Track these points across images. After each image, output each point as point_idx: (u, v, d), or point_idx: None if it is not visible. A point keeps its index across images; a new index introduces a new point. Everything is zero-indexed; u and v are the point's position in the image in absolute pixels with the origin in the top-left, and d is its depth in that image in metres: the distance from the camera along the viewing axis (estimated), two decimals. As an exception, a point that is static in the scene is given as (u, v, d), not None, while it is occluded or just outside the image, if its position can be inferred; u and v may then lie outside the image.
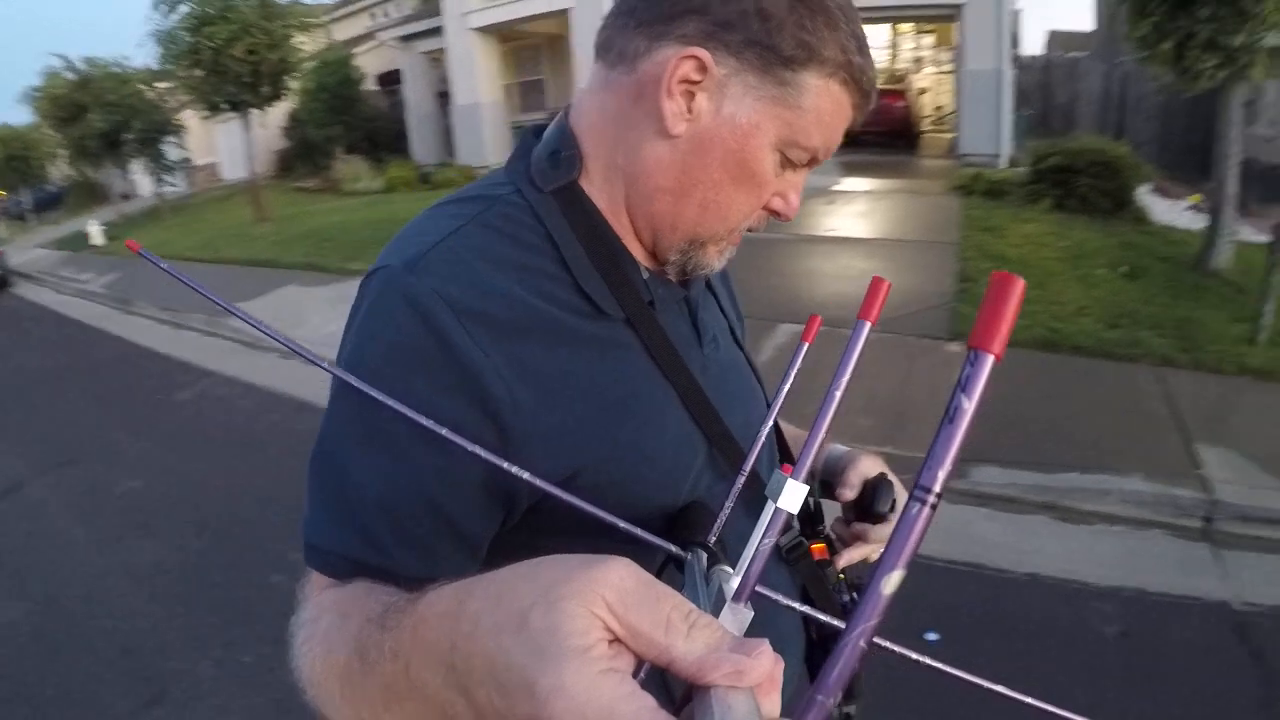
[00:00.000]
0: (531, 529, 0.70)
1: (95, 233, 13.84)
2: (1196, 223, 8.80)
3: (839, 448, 0.99)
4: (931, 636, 2.90)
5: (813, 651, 0.89)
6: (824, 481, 0.97)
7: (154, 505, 4.45)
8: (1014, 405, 4.66)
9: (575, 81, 14.73)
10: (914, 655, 0.47)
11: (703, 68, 0.66)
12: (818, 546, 0.90)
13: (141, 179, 17.85)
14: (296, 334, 7.18)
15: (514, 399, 0.64)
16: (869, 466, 0.94)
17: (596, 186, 0.74)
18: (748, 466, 0.56)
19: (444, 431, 0.53)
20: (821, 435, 0.50)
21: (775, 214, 0.76)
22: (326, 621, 0.58)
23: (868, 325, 0.50)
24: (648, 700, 0.33)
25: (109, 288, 10.21)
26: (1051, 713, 0.47)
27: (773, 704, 0.35)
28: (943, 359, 5.44)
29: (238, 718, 2.80)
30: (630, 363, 0.72)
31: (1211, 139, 7.56)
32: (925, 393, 4.97)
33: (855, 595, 0.90)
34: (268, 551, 3.79)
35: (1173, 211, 9.79)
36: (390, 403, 0.54)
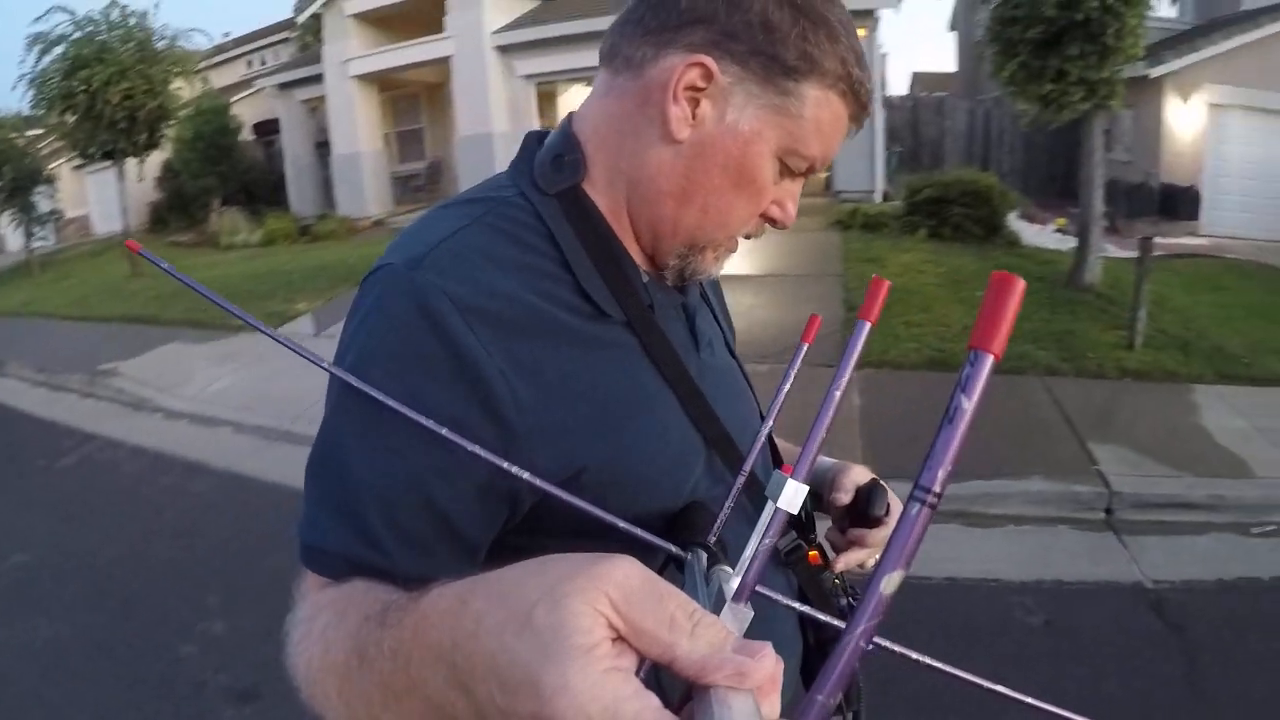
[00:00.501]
0: (532, 530, 0.70)
1: (-37, 290, 12.88)
2: (1064, 244, 9.50)
3: (826, 460, 1.00)
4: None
5: (809, 657, 0.90)
6: (814, 493, 0.97)
7: (46, 580, 4.09)
8: (913, 423, 4.84)
9: (454, 130, 14.71)
10: (914, 655, 0.48)
11: (708, 75, 0.68)
12: (812, 554, 0.91)
13: (10, 232, 16.69)
14: (182, 393, 6.86)
15: (516, 397, 0.64)
16: (860, 474, 0.95)
17: (599, 190, 0.75)
18: (747, 466, 0.58)
19: (444, 431, 0.54)
20: (822, 434, 0.51)
21: (773, 222, 0.77)
22: (323, 620, 0.57)
23: (868, 325, 0.52)
24: (652, 700, 0.34)
25: (-21, 348, 9.44)
26: (1051, 712, 0.47)
27: (772, 705, 0.35)
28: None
29: (165, 799, 2.59)
30: (631, 364, 0.73)
31: (1071, 166, 8.19)
32: (806, 413, 5.12)
33: (852, 600, 0.92)
34: (175, 623, 3.53)
35: (1041, 235, 10.53)
36: (390, 403, 0.55)
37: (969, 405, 0.31)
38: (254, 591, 3.48)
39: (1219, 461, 4.37)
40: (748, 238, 0.79)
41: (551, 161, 0.75)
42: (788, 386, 0.61)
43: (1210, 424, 4.87)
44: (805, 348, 0.62)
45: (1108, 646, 2.98)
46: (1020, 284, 0.31)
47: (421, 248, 0.67)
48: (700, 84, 0.68)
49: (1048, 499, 4.06)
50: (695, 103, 0.69)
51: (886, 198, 12.08)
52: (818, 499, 0.97)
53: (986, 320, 0.31)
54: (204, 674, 3.10)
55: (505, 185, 0.76)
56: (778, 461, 0.96)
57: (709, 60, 0.67)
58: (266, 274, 11.09)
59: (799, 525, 0.93)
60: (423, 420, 0.54)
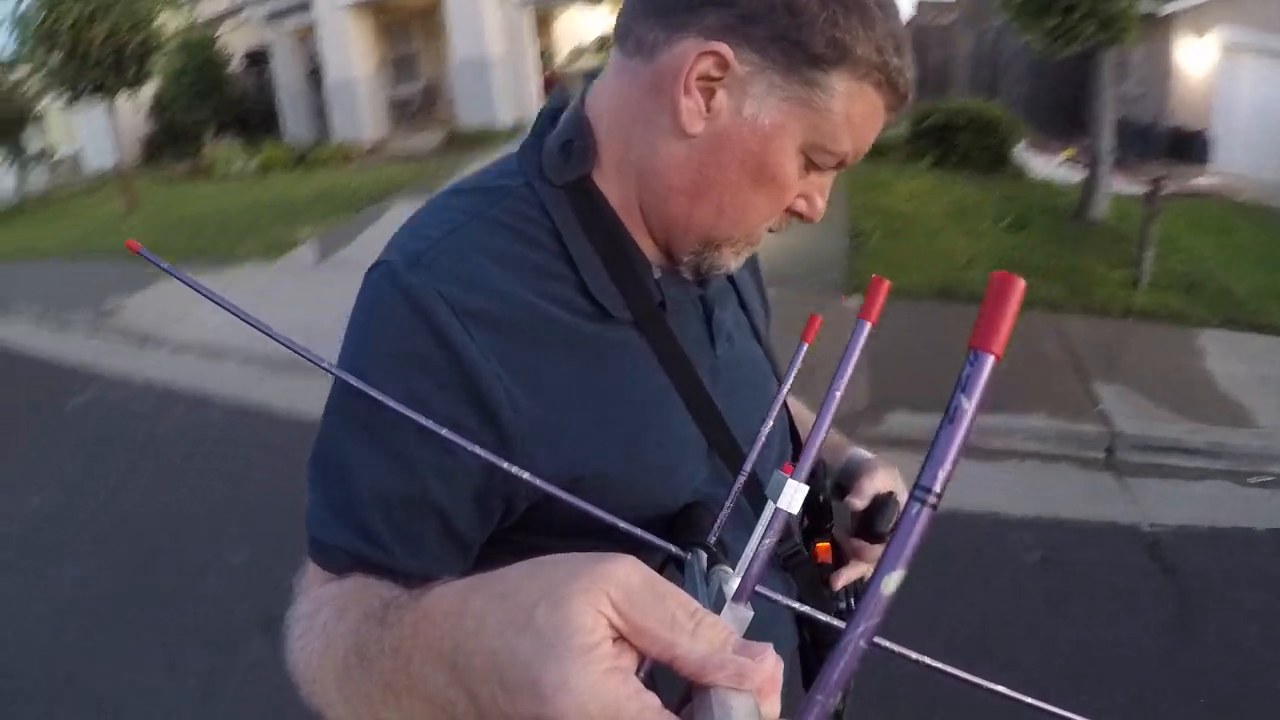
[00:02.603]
0: (531, 529, 0.70)
1: (-44, 235, 12.70)
2: (1072, 176, 9.36)
3: (861, 452, 0.98)
4: (868, 575, 3.07)
5: (806, 653, 0.89)
6: (839, 485, 0.96)
7: (66, 524, 4.15)
8: (919, 353, 4.82)
9: (448, 54, 14.44)
10: (913, 655, 0.47)
11: (724, 64, 0.62)
12: (823, 545, 0.90)
13: (1, 174, 16.44)
14: (182, 329, 6.81)
15: (513, 402, 0.63)
16: (883, 480, 0.92)
17: (609, 180, 0.71)
18: (747, 468, 0.56)
19: (444, 432, 0.53)
20: (822, 435, 0.50)
21: (798, 215, 0.73)
22: (323, 616, 0.58)
23: (868, 325, 0.50)
24: (652, 699, 0.34)
25: (-20, 292, 9.35)
26: (1051, 712, 0.46)
27: (772, 706, 0.36)
28: (839, 314, 5.45)
29: (195, 734, 2.69)
30: (635, 367, 0.71)
31: (1081, 95, 8.00)
32: (825, 346, 5.04)
33: (853, 602, 0.90)
34: (195, 558, 3.62)
35: (1048, 167, 10.34)
36: (390, 403, 0.54)
37: (969, 406, 0.31)
38: (272, 521, 3.51)
39: (1221, 408, 4.36)
40: (771, 231, 0.74)
41: (560, 148, 0.71)
42: (787, 388, 0.59)
43: (1214, 369, 4.85)
44: (805, 347, 0.60)
45: (1101, 586, 3.03)
46: (1020, 284, 0.30)
47: (421, 244, 0.66)
48: (715, 73, 0.63)
49: (1049, 436, 4.09)
50: (710, 93, 0.64)
51: (889, 124, 11.85)
52: (842, 490, 0.95)
53: (987, 320, 0.30)
54: (229, 605, 3.17)
55: (513, 172, 0.73)
56: (798, 444, 0.93)
57: (724, 48, 0.62)
58: (266, 203, 10.91)
59: (816, 512, 0.93)
60: (422, 420, 0.54)
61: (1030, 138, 10.82)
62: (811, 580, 0.87)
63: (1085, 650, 2.72)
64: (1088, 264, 6.27)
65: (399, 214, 9.53)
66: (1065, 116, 12.70)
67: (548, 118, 0.76)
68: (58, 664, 3.11)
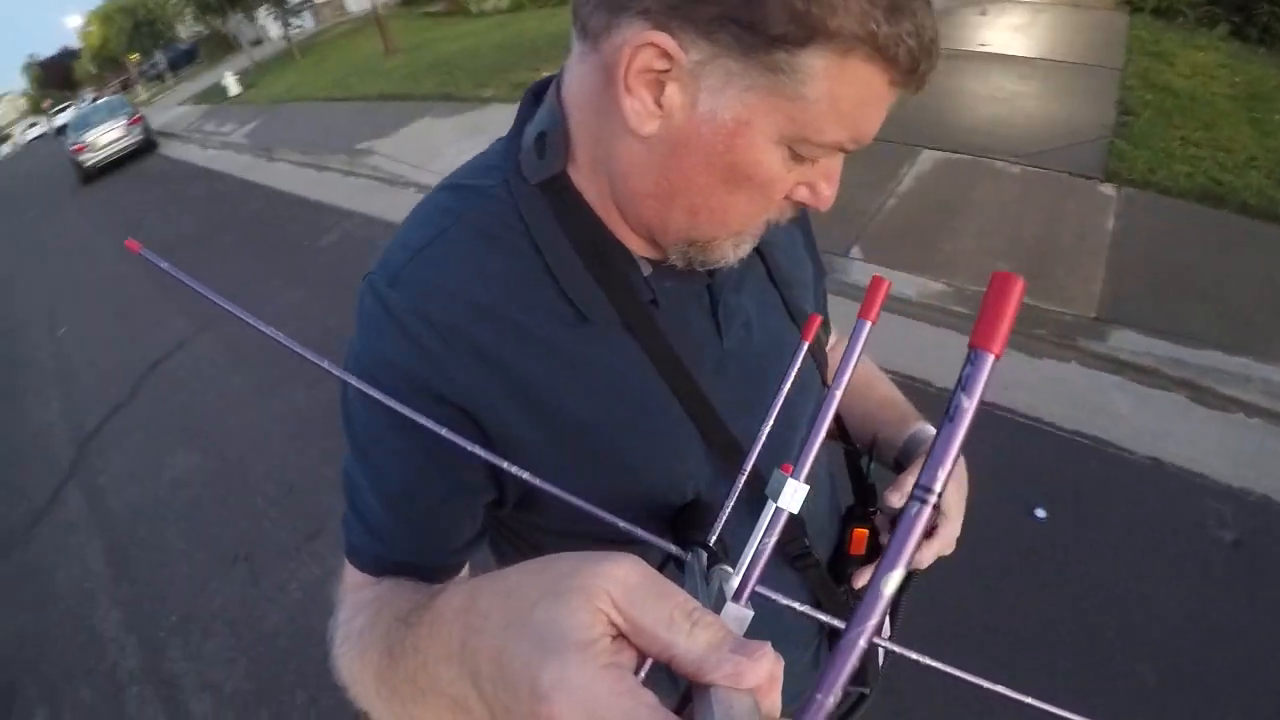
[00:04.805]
0: (530, 527, 0.72)
1: (231, 83, 13.96)
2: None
3: (928, 429, 0.92)
4: (1040, 513, 2.78)
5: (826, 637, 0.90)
6: (899, 464, 0.92)
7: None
8: (1164, 263, 4.22)
9: None
10: (914, 655, 0.47)
11: (666, 54, 0.54)
12: (860, 532, 0.87)
13: (269, 23, 17.87)
14: (433, 167, 7.16)
15: (501, 420, 0.63)
16: None
17: (585, 176, 0.65)
18: (747, 468, 0.54)
19: (443, 431, 0.54)
20: (821, 435, 0.48)
21: (802, 205, 0.64)
22: (359, 622, 0.61)
23: (868, 325, 0.48)
24: (647, 697, 0.33)
25: (250, 137, 10.35)
26: (1056, 714, 0.45)
27: (772, 704, 0.35)
28: (1095, 201, 4.87)
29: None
30: (626, 371, 0.67)
31: None
32: (1073, 236, 4.53)
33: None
34: (409, 394, 4.08)
35: (1373, 54, 8.48)
36: (394, 404, 0.56)
37: (970, 405, 0.30)
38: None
39: None
40: (775, 222, 0.65)
41: (535, 141, 0.65)
42: (787, 387, 0.55)
43: None
44: (806, 346, 0.55)
45: (1284, 594, 2.62)
46: (1020, 284, 0.30)
47: (401, 258, 0.65)
48: (659, 65, 0.54)
49: (1292, 396, 3.49)
50: (659, 86, 0.55)
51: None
52: (901, 469, 0.90)
53: (988, 319, 0.30)
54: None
55: (492, 168, 0.68)
56: (842, 426, 0.91)
57: (662, 37, 0.53)
58: (513, 43, 11.16)
59: (860, 496, 0.91)
60: (425, 421, 0.55)
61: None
62: (822, 579, 0.85)
63: (1244, 664, 2.42)
64: (1393, 191, 5.14)
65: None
66: None
67: (531, 98, 0.70)
68: (283, 476, 3.75)
